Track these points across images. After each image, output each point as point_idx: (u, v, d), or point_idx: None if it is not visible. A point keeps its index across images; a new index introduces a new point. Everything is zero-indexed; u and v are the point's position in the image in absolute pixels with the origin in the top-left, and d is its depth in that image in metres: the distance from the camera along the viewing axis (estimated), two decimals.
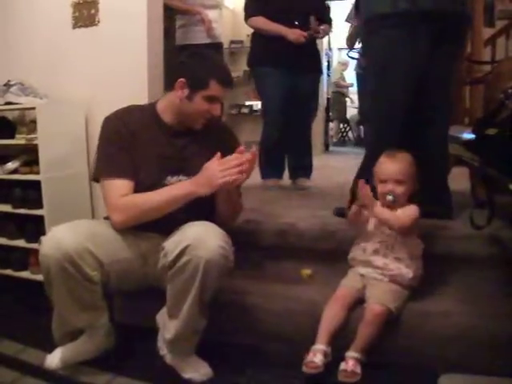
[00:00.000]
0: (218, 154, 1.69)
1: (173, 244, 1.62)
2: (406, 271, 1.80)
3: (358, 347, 1.68)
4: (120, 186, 1.76)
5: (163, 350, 1.82)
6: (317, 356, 1.67)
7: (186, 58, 1.92)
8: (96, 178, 1.85)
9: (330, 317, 1.77)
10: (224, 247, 1.60)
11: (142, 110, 1.93)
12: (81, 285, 1.65)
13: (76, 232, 1.65)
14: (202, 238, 1.58)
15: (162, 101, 1.93)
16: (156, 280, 1.82)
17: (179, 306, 1.65)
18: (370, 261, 1.85)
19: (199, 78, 1.80)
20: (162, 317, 1.83)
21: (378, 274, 1.83)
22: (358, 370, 1.64)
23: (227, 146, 1.83)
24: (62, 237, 1.61)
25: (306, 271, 2.10)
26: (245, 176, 1.68)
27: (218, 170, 1.65)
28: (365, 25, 2.17)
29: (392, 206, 1.82)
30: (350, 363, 1.64)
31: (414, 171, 1.84)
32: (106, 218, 1.92)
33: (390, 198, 1.82)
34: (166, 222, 1.72)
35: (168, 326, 1.73)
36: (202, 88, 1.80)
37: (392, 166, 1.84)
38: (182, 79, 1.80)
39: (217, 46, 3.77)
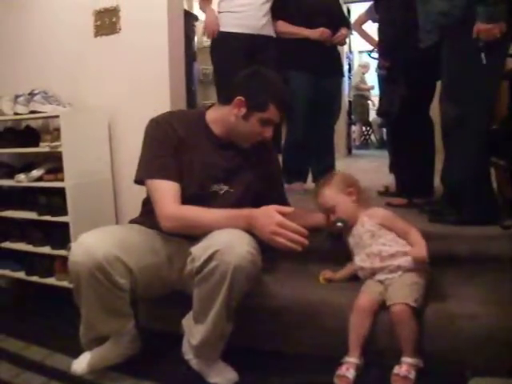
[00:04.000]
0: (291, 209, 1.66)
1: (201, 249, 1.60)
2: (407, 258, 1.80)
3: (407, 351, 1.65)
4: (171, 189, 1.75)
5: (188, 355, 1.82)
6: (350, 371, 1.66)
7: (249, 77, 1.88)
8: (142, 179, 1.82)
9: (358, 327, 1.75)
10: (252, 253, 1.58)
11: (190, 117, 1.93)
12: (110, 292, 1.65)
13: (105, 239, 1.65)
14: (231, 244, 1.56)
15: (214, 112, 1.91)
16: (181, 285, 1.83)
17: (206, 312, 1.65)
18: (373, 270, 1.85)
19: (259, 101, 1.79)
20: (187, 322, 1.82)
21: (388, 274, 1.81)
22: (412, 375, 1.61)
23: (268, 160, 2.02)
24: (92, 244, 1.61)
25: (325, 274, 2.06)
26: (293, 246, 1.57)
27: (274, 226, 1.57)
28: None
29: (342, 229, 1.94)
30: (404, 368, 1.62)
31: (340, 187, 1.97)
32: (131, 222, 1.93)
33: (339, 225, 1.92)
34: None
35: (194, 331, 1.72)
36: (261, 111, 1.79)
37: (318, 200, 2.00)
38: (241, 97, 1.78)
39: None
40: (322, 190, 1.98)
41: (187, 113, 1.96)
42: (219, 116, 1.87)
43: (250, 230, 1.64)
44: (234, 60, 2.90)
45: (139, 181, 1.84)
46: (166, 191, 1.74)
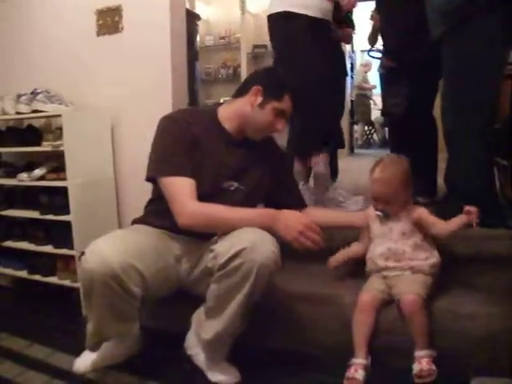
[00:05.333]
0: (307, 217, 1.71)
1: (225, 247, 1.62)
2: (423, 262, 1.79)
3: (420, 344, 1.65)
4: (189, 186, 1.73)
5: (192, 350, 1.83)
6: (358, 372, 1.65)
7: (265, 69, 2.01)
8: (157, 176, 1.79)
9: (362, 325, 1.74)
10: (276, 252, 1.61)
11: (203, 114, 1.94)
12: (122, 299, 1.64)
13: (120, 247, 1.64)
14: (258, 243, 1.58)
15: (227, 107, 1.93)
16: (188, 284, 1.85)
17: (223, 308, 1.66)
18: (385, 267, 1.83)
19: (276, 89, 1.84)
20: (198, 316, 1.83)
21: (398, 271, 1.80)
22: (433, 366, 1.60)
23: (275, 157, 2.02)
24: (108, 253, 1.59)
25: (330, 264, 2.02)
26: (314, 247, 1.66)
27: (299, 228, 1.64)
28: None
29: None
30: (424, 362, 1.61)
31: (404, 183, 1.83)
32: (135, 222, 1.93)
33: (380, 214, 1.86)
34: None
35: (206, 326, 1.73)
36: (277, 99, 1.83)
37: (380, 188, 1.84)
38: (258, 86, 1.83)
39: None
40: (395, 181, 1.82)
41: (199, 110, 1.97)
42: (233, 109, 1.89)
43: (271, 230, 1.67)
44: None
45: (151, 178, 1.83)
46: (184, 188, 1.72)
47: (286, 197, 2.02)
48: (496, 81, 2.08)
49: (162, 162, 1.79)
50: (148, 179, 1.83)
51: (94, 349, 1.82)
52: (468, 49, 2.01)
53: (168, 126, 1.85)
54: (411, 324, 1.67)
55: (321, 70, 2.47)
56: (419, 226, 1.83)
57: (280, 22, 2.58)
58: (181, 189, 1.72)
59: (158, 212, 1.84)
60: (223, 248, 1.62)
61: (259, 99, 1.83)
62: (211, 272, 1.67)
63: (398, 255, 1.81)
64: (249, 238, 1.59)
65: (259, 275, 1.57)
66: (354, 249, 1.99)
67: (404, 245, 1.82)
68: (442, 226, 1.77)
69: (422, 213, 1.83)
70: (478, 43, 1.98)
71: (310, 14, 2.49)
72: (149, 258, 1.70)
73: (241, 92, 1.90)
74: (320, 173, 2.74)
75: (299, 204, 2.05)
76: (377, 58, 3.01)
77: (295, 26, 2.49)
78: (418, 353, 1.64)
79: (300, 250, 1.66)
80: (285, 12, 2.50)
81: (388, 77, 2.94)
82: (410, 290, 1.71)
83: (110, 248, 1.61)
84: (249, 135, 1.90)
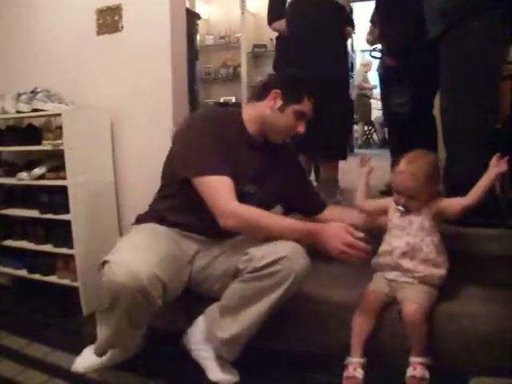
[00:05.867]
0: (360, 234, 1.66)
1: (263, 251, 1.64)
2: (436, 271, 1.76)
3: (417, 351, 1.65)
4: (229, 185, 1.70)
5: (195, 345, 1.83)
6: (357, 370, 1.67)
7: (283, 73, 2.00)
8: (195, 175, 1.72)
9: (361, 326, 1.75)
10: (309, 265, 1.67)
11: (230, 115, 1.91)
12: (144, 310, 1.65)
13: (147, 259, 1.61)
14: (297, 253, 1.63)
15: (249, 109, 1.92)
16: (194, 281, 1.86)
17: (245, 308, 1.67)
18: (399, 264, 1.78)
19: (295, 92, 1.83)
20: (210, 314, 1.81)
21: (407, 278, 1.77)
22: (427, 375, 1.61)
23: (291, 161, 2.05)
24: (136, 266, 1.56)
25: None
26: (355, 262, 1.67)
27: (342, 243, 1.62)
28: None
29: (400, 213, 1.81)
30: (418, 368, 1.61)
31: (430, 178, 1.76)
32: (141, 219, 1.91)
33: (401, 209, 1.79)
34: (218, 228, 1.74)
35: (222, 325, 1.72)
36: (296, 102, 1.83)
37: (405, 182, 1.76)
38: (277, 90, 1.82)
39: None
40: (421, 176, 1.74)
41: (228, 111, 1.96)
42: (254, 113, 1.88)
43: (312, 244, 1.69)
44: None
45: (187, 176, 1.75)
46: (226, 187, 1.69)
47: (305, 200, 2.05)
48: (495, 80, 2.08)
49: (200, 160, 1.73)
50: (182, 179, 1.77)
51: (102, 355, 1.83)
52: (467, 48, 2.02)
53: (201, 124, 1.81)
54: (411, 332, 1.67)
55: None
56: (439, 221, 1.80)
57: None
58: (222, 188, 1.69)
59: (173, 209, 1.84)
60: (261, 252, 1.64)
61: (279, 103, 1.82)
62: (236, 272, 1.70)
63: (415, 251, 1.75)
64: (289, 248, 1.64)
65: (293, 283, 1.62)
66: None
67: (422, 242, 1.76)
68: (457, 201, 1.77)
69: (439, 203, 1.80)
70: (477, 42, 1.98)
71: None
72: (168, 265, 1.68)
73: (260, 95, 1.88)
74: (333, 178, 2.78)
75: (320, 206, 2.07)
76: (378, 58, 2.99)
77: None
78: (414, 359, 1.64)
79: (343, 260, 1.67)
80: None
81: (389, 77, 2.93)
82: (414, 299, 1.70)
83: (137, 260, 1.59)
84: (270, 138, 1.89)
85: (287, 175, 1.96)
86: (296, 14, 2.78)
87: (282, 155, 1.97)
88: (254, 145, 1.87)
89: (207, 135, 1.75)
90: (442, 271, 1.77)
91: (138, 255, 1.61)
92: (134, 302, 1.57)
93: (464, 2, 1.96)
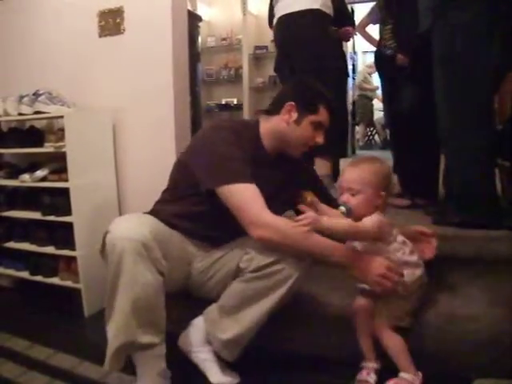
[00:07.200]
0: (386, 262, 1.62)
1: (265, 251, 1.63)
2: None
3: (400, 367, 1.63)
4: (258, 193, 1.63)
5: (193, 347, 1.81)
6: (370, 375, 1.67)
7: (295, 84, 1.92)
8: (219, 184, 1.65)
9: (365, 328, 1.74)
10: (310, 266, 1.68)
11: (248, 129, 1.84)
12: (149, 279, 1.54)
13: (149, 226, 1.60)
14: (299, 255, 1.63)
15: (265, 124, 1.86)
16: (192, 284, 1.85)
17: (248, 308, 1.66)
18: None
19: (310, 103, 1.79)
20: (210, 315, 1.78)
21: None
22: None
23: (303, 170, 1.99)
24: (138, 225, 1.57)
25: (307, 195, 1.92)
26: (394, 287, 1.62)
27: (384, 270, 1.59)
28: None
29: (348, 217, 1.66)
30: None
31: (377, 181, 1.67)
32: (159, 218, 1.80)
33: (341, 208, 1.67)
34: (222, 236, 1.77)
35: (223, 326, 1.71)
36: (312, 112, 1.79)
37: (347, 174, 1.72)
38: (291, 103, 1.78)
39: None
40: (363, 167, 1.69)
41: (246, 124, 1.88)
42: (270, 127, 1.84)
43: (351, 266, 1.63)
44: None
45: (212, 188, 1.68)
46: (256, 196, 1.63)
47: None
48: (485, 76, 2.06)
49: (227, 168, 1.66)
50: (208, 190, 1.69)
51: (115, 367, 1.63)
52: (455, 42, 2.01)
53: (220, 134, 1.74)
54: (385, 349, 1.67)
55: None
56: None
57: None
58: (253, 196, 1.63)
59: (181, 216, 1.79)
60: (262, 251, 1.63)
61: (294, 116, 1.78)
62: (238, 272, 1.69)
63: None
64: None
65: (294, 284, 1.63)
66: None
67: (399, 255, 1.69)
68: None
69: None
70: (465, 37, 1.98)
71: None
72: (167, 244, 1.65)
73: (275, 109, 1.83)
74: (326, 175, 2.77)
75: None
76: (390, 56, 2.92)
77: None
78: (403, 374, 1.62)
79: (377, 290, 1.63)
80: None
81: (405, 76, 2.86)
82: (382, 315, 1.69)
83: (140, 224, 1.59)
84: (288, 153, 1.85)
85: (301, 185, 1.92)
86: (279, 32, 2.91)
87: (295, 166, 1.92)
88: (269, 160, 1.84)
89: (231, 145, 1.70)
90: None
91: (139, 222, 1.62)
92: (139, 258, 1.51)
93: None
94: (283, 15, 2.80)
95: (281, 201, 1.83)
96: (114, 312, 1.55)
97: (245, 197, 1.62)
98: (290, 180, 1.88)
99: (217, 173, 1.67)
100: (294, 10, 2.74)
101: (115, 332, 1.56)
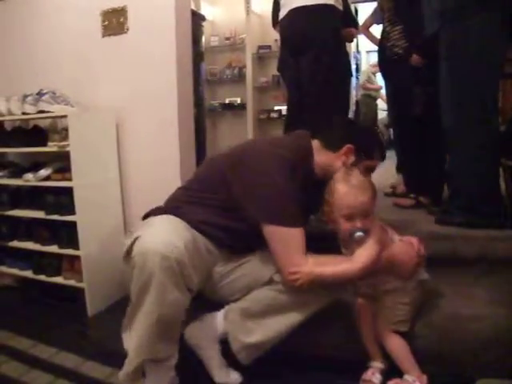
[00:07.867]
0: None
1: None
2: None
3: (404, 369, 1.64)
4: (302, 238, 1.65)
5: (201, 342, 1.80)
6: (375, 375, 1.67)
7: (358, 128, 2.13)
8: (272, 223, 1.64)
9: (368, 328, 1.75)
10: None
11: (303, 160, 1.80)
12: (178, 297, 1.52)
13: (179, 235, 1.55)
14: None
15: (321, 156, 1.84)
16: (208, 288, 1.82)
17: (276, 316, 1.70)
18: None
19: (368, 150, 1.84)
20: (230, 315, 1.77)
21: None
22: None
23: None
24: (170, 235, 1.52)
25: None
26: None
27: (417, 258, 1.69)
28: None
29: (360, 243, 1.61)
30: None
31: (375, 191, 1.66)
32: (167, 211, 1.76)
33: (360, 234, 1.59)
34: (248, 247, 1.80)
35: (245, 329, 1.72)
36: (369, 158, 1.84)
37: (360, 198, 1.59)
38: (350, 146, 1.80)
39: None
40: (362, 185, 1.62)
41: (293, 150, 1.79)
42: (326, 161, 1.83)
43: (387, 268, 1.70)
44: None
45: (267, 222, 1.66)
46: (299, 241, 1.65)
47: None
48: (494, 77, 2.06)
49: (278, 208, 1.65)
50: (258, 221, 1.66)
51: (132, 381, 1.61)
52: (463, 45, 2.01)
53: (278, 163, 1.69)
54: (388, 353, 1.68)
55: None
56: None
57: None
58: (296, 243, 1.64)
59: (211, 221, 1.74)
60: None
61: (351, 158, 1.80)
62: (270, 283, 1.71)
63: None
64: None
65: (327, 303, 1.72)
66: None
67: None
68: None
69: None
70: (475, 40, 1.97)
71: None
72: (196, 254, 1.61)
73: (332, 146, 1.83)
74: None
75: None
76: (400, 56, 2.89)
77: None
78: (408, 376, 1.62)
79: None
80: None
81: (421, 77, 2.84)
82: (381, 320, 1.71)
83: (170, 234, 1.54)
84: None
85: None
86: (289, 26, 2.89)
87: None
88: (313, 183, 1.83)
89: (288, 180, 1.66)
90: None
91: (171, 230, 1.57)
92: (170, 274, 1.47)
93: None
94: (294, 8, 2.77)
95: (309, 211, 1.92)
96: (137, 327, 1.54)
97: (290, 242, 1.64)
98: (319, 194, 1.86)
99: (273, 210, 1.65)
100: (307, 4, 2.72)
101: (138, 349, 1.55)
